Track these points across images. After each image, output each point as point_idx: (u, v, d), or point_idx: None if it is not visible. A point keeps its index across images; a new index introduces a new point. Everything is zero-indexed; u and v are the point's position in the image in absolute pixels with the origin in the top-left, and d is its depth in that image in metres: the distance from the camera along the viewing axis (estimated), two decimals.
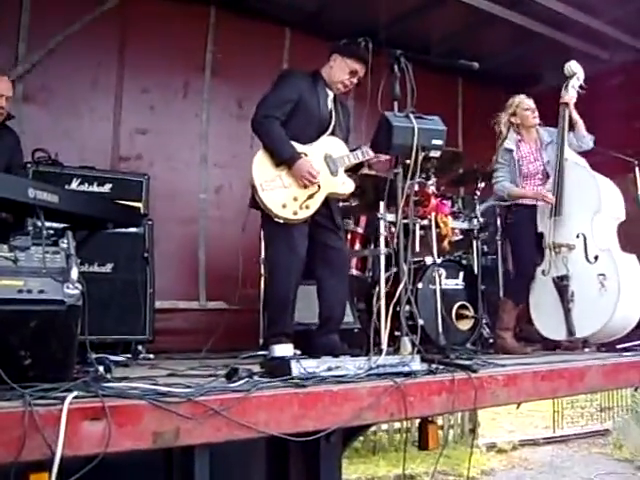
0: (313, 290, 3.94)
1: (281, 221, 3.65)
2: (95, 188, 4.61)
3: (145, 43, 5.79)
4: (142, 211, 4.71)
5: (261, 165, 3.70)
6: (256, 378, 2.53)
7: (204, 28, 6.23)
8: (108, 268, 4.51)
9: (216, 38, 6.26)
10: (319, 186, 3.72)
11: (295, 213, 3.66)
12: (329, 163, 3.80)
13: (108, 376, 2.49)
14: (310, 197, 3.70)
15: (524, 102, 4.95)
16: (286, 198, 3.65)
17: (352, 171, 4.01)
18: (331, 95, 3.95)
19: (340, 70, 3.89)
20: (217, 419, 2.18)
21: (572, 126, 4.82)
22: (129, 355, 4.32)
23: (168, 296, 5.48)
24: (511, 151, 4.89)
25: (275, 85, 3.87)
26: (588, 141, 4.82)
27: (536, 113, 4.91)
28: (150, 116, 5.92)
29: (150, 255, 4.68)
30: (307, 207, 3.69)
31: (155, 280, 4.72)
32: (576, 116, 4.79)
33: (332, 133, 3.89)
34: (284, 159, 3.67)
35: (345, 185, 3.86)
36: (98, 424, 1.97)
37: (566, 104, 4.76)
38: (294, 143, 3.71)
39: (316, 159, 3.75)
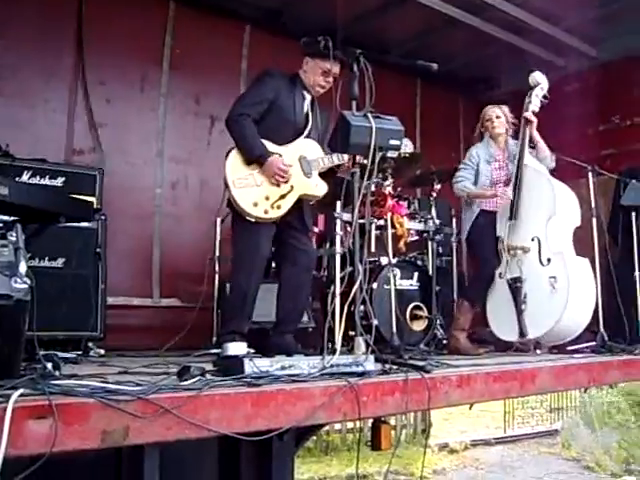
0: (273, 288, 3.93)
1: (252, 219, 3.64)
2: (47, 181, 4.50)
3: (102, 35, 5.68)
4: (95, 206, 4.63)
5: (234, 163, 3.69)
6: (208, 377, 2.50)
7: (163, 22, 6.16)
8: (59, 263, 4.42)
9: (175, 33, 6.19)
10: (292, 186, 3.73)
11: (266, 212, 3.66)
12: (303, 164, 3.82)
13: (56, 373, 2.42)
14: (282, 197, 3.70)
15: (487, 112, 5.07)
16: (257, 196, 3.65)
17: (324, 176, 4.00)
18: (308, 98, 3.96)
19: (313, 72, 3.91)
20: (168, 418, 2.14)
21: (533, 146, 4.90)
22: (79, 352, 4.24)
23: (121, 292, 5.40)
24: (479, 155, 4.95)
25: (253, 84, 3.91)
26: (549, 162, 4.92)
27: (497, 123, 4.99)
28: (106, 109, 5.82)
29: (103, 250, 4.60)
30: (278, 207, 3.70)
31: (107, 276, 4.65)
32: (538, 137, 4.88)
33: (308, 136, 3.90)
34: (254, 157, 3.68)
35: (318, 187, 3.88)
36: (44, 423, 1.91)
37: (527, 121, 4.83)
38: (269, 143, 3.72)
39: (290, 160, 3.76)
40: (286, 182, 3.72)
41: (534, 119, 4.83)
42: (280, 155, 3.73)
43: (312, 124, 3.93)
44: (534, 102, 4.87)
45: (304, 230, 3.91)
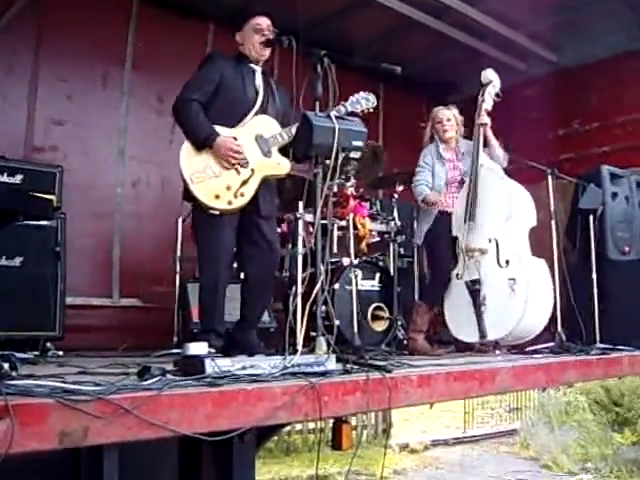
0: (236, 289, 3.91)
1: (216, 212, 3.56)
2: (5, 178, 4.41)
3: (64, 31, 5.63)
4: (55, 204, 4.54)
5: (188, 156, 3.59)
6: (169, 376, 2.48)
7: (126, 19, 6.13)
8: (17, 262, 4.33)
9: (137, 30, 6.16)
10: (252, 170, 3.63)
11: (230, 203, 3.57)
12: (261, 144, 3.70)
13: (13, 373, 2.39)
14: (244, 183, 3.60)
15: (437, 114, 5.08)
16: (218, 188, 3.55)
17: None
18: (259, 71, 3.87)
19: (248, 39, 3.84)
20: (127, 418, 2.12)
21: (487, 144, 4.95)
22: (37, 352, 4.17)
23: (80, 292, 5.35)
24: (432, 156, 4.98)
25: (197, 69, 3.81)
26: (502, 162, 4.95)
27: (447, 125, 5.01)
28: (67, 106, 5.76)
29: (62, 250, 4.54)
30: (242, 195, 3.60)
31: (66, 275, 4.58)
32: (491, 136, 4.92)
33: (262, 111, 3.78)
34: (200, 140, 3.58)
35: (281, 165, 3.75)
36: (0, 424, 1.89)
37: (481, 124, 4.86)
38: (222, 128, 3.61)
39: (247, 141, 3.65)
40: (243, 165, 3.61)
41: (488, 120, 4.86)
42: (235, 138, 3.62)
43: (265, 98, 3.81)
44: (487, 100, 4.88)
45: (270, 217, 3.81)
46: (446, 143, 5.05)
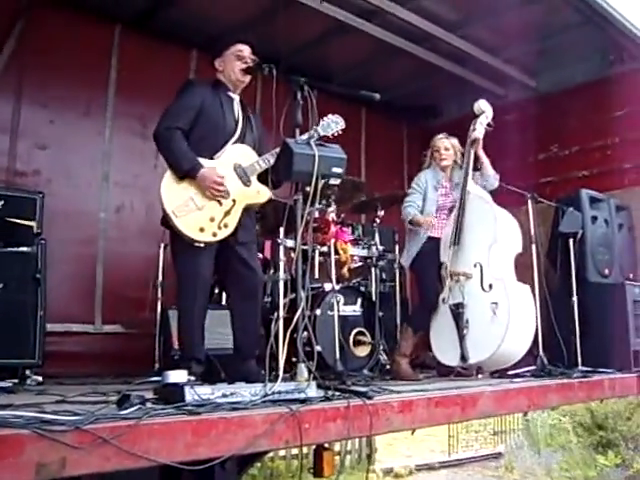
0: (220, 315, 3.89)
1: (202, 245, 3.55)
2: None
3: (48, 56, 5.63)
4: (35, 230, 4.53)
5: (169, 189, 3.56)
6: (148, 405, 2.47)
7: (109, 45, 6.14)
8: None
9: (121, 56, 6.19)
10: (234, 200, 3.63)
11: (215, 234, 3.56)
12: (240, 173, 3.70)
13: None
14: (227, 214, 3.60)
15: (436, 143, 5.18)
16: (202, 221, 3.54)
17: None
18: (237, 99, 3.89)
19: (228, 65, 3.85)
20: (106, 448, 2.11)
21: (478, 165, 5.02)
22: (15, 380, 4.13)
23: (62, 318, 5.30)
24: (427, 180, 5.06)
25: (177, 95, 3.79)
26: (493, 181, 5.04)
27: (444, 155, 5.11)
28: (50, 131, 5.75)
29: (42, 276, 4.50)
30: (226, 225, 3.60)
31: (47, 302, 4.54)
32: (483, 156, 5.00)
33: (241, 140, 3.79)
34: (184, 171, 3.55)
35: (260, 193, 3.75)
36: None
37: (472, 142, 4.95)
38: (202, 159, 3.60)
39: (226, 172, 3.64)
40: (225, 196, 3.61)
41: (480, 136, 4.96)
42: (215, 168, 3.61)
43: (244, 127, 3.82)
44: (479, 129, 4.98)
45: (248, 243, 3.79)
46: (442, 171, 5.13)
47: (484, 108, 5.05)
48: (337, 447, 7.92)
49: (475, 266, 4.74)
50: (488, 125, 5.03)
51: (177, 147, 3.59)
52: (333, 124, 3.90)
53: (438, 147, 5.13)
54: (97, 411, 2.31)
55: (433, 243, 4.94)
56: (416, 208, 4.98)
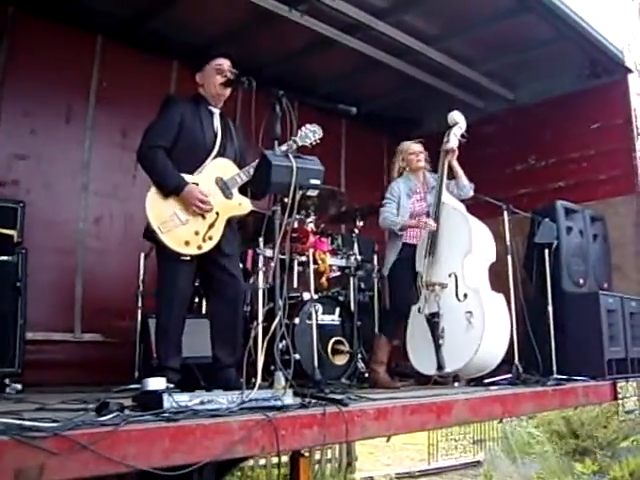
0: (199, 323, 3.93)
1: (187, 258, 3.62)
2: None
3: (29, 65, 5.63)
4: (16, 239, 4.55)
5: (154, 205, 3.62)
6: (127, 412, 2.50)
7: (90, 55, 6.14)
8: None
9: (102, 66, 6.18)
10: (217, 213, 3.69)
11: (200, 247, 3.63)
12: (222, 187, 3.76)
13: None
14: (211, 227, 3.67)
15: (410, 147, 5.24)
16: (187, 235, 3.61)
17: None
18: (217, 113, 3.94)
19: (208, 79, 3.90)
20: (85, 454, 2.14)
21: (453, 175, 5.10)
22: None
23: (42, 327, 5.30)
24: (400, 189, 5.12)
25: (158, 113, 3.84)
26: (468, 190, 5.12)
27: (421, 157, 5.19)
28: (30, 141, 5.73)
29: (22, 285, 4.52)
30: (210, 238, 3.67)
31: (28, 310, 4.56)
32: (457, 166, 5.08)
33: (221, 154, 3.83)
34: (170, 189, 3.62)
35: (242, 205, 3.82)
36: None
37: (447, 152, 5.03)
38: (185, 175, 3.66)
39: (208, 186, 3.71)
40: (209, 210, 3.67)
41: (455, 146, 5.02)
42: (197, 184, 3.67)
43: (224, 140, 3.87)
44: (452, 140, 5.05)
45: (230, 253, 3.84)
46: (416, 175, 5.21)
47: (457, 119, 5.12)
48: (317, 456, 7.96)
49: (450, 276, 4.81)
50: (462, 136, 5.10)
51: (161, 166, 3.66)
52: (311, 134, 3.96)
53: (414, 150, 5.20)
54: (76, 418, 2.35)
55: (410, 249, 5.02)
56: (394, 217, 5.04)
